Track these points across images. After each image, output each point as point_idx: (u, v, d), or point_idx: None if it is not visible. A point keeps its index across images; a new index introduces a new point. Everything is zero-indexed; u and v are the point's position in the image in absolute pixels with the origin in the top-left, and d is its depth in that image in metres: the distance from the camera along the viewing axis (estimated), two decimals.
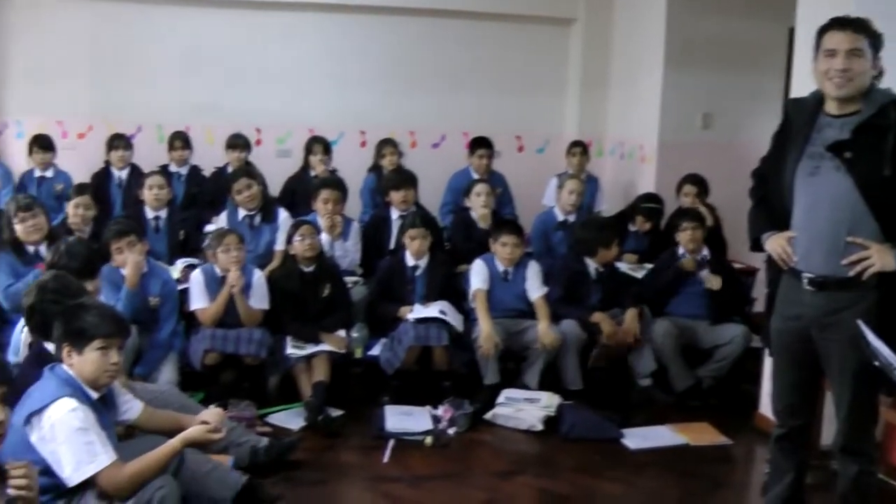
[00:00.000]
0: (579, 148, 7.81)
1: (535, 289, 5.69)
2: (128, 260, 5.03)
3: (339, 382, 5.40)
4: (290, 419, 5.13)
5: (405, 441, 4.91)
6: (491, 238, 5.80)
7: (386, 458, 4.70)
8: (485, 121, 8.36)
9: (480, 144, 7.54)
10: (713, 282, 5.80)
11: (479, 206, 6.43)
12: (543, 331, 5.45)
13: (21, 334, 4.07)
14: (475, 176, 7.45)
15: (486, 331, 5.37)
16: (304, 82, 8.44)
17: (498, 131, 8.10)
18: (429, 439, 4.91)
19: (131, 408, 3.66)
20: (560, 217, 6.76)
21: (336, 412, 5.20)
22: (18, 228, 5.21)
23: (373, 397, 5.46)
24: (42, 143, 7.35)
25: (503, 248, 5.66)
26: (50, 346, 3.51)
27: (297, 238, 5.49)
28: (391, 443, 4.86)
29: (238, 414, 4.82)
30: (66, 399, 3.17)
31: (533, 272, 5.73)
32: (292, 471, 4.43)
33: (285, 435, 4.78)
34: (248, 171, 6.47)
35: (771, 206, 3.46)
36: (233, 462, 4.17)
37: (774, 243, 3.39)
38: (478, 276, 5.65)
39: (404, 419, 5.11)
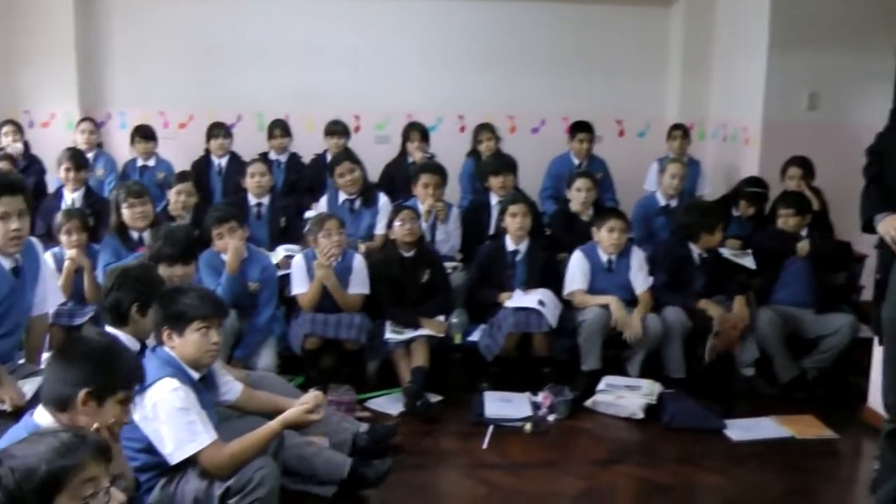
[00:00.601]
0: (680, 131, 7.66)
1: (640, 280, 5.53)
2: (229, 245, 5.09)
3: (438, 368, 5.38)
4: (389, 404, 5.14)
5: (504, 427, 4.87)
6: (594, 226, 5.65)
7: (485, 445, 4.67)
8: (585, 105, 8.25)
9: (581, 129, 7.45)
10: (803, 248, 5.64)
11: (578, 201, 6.27)
12: (633, 321, 5.30)
13: None
14: (575, 161, 7.39)
15: (616, 307, 5.30)
16: (402, 68, 8.47)
17: (598, 115, 7.98)
18: (528, 426, 4.86)
19: (231, 389, 3.70)
20: (662, 202, 6.63)
21: (435, 398, 5.18)
22: (126, 214, 5.34)
23: (471, 383, 5.44)
24: (144, 133, 7.54)
25: (609, 235, 5.50)
26: (117, 333, 3.54)
27: (397, 222, 5.48)
28: (490, 429, 4.82)
29: (337, 399, 4.85)
30: (168, 379, 3.23)
31: (637, 261, 5.58)
32: (391, 455, 4.40)
33: (384, 420, 4.78)
34: (350, 154, 6.51)
35: (886, 186, 3.30)
36: (327, 442, 4.22)
37: (888, 225, 3.23)
38: (577, 272, 5.52)
39: (503, 405, 5.07)
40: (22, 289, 3.93)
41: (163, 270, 4.25)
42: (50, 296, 4.21)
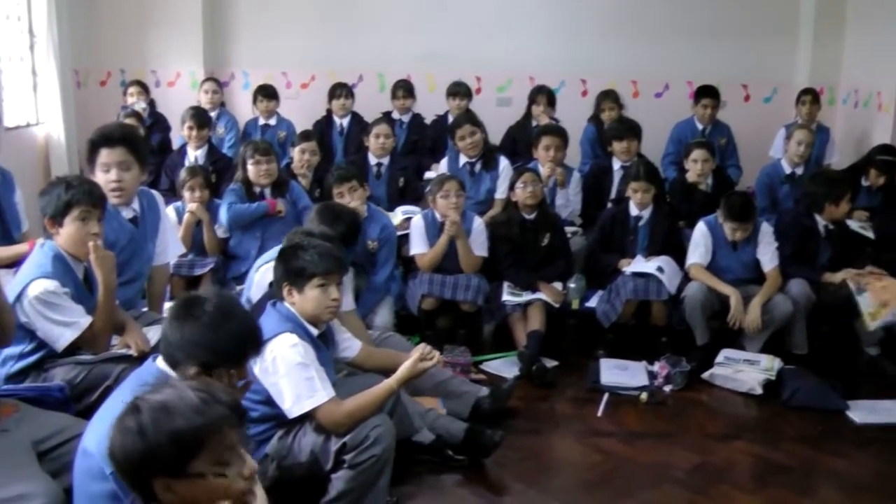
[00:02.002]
0: (809, 96, 7.41)
1: (768, 257, 5.32)
2: (351, 205, 5.13)
3: (555, 333, 5.36)
4: (505, 367, 5.15)
5: (619, 396, 4.84)
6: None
7: (600, 412, 4.65)
8: (709, 69, 8.07)
9: (705, 94, 7.28)
10: None
11: (695, 172, 6.05)
12: (751, 317, 5.12)
13: (255, 272, 4.27)
14: (699, 126, 7.24)
15: (735, 303, 5.13)
16: (525, 30, 8.40)
17: (723, 80, 7.82)
18: (644, 395, 4.82)
19: (350, 346, 3.76)
20: (787, 170, 6.43)
21: (551, 363, 5.17)
22: (251, 170, 5.46)
23: (588, 350, 5.41)
24: (266, 92, 7.68)
25: (732, 233, 5.30)
26: None
27: (519, 185, 5.44)
28: (605, 397, 4.79)
29: (453, 360, 4.88)
30: (288, 334, 3.28)
31: (766, 237, 5.37)
32: (506, 419, 4.43)
33: (500, 383, 4.78)
34: (471, 117, 6.48)
35: None
36: (442, 404, 4.26)
37: None
38: (698, 246, 5.37)
39: (620, 373, 5.03)
40: (142, 238, 4.10)
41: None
42: (170, 247, 4.38)
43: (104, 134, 3.98)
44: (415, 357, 3.41)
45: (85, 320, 3.47)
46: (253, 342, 2.70)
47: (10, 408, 3.07)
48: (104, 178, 3.92)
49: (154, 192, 4.37)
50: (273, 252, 4.28)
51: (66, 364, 3.48)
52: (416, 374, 3.43)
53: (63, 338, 3.44)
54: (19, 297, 3.37)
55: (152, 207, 4.23)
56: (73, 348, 3.48)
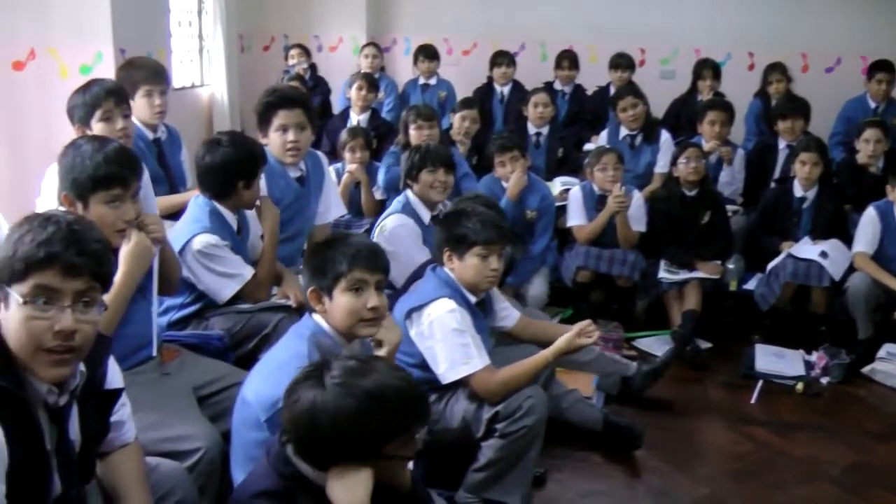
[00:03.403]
0: None
1: None
2: (512, 176, 5.15)
3: (710, 314, 5.22)
4: (657, 346, 5.07)
5: (774, 384, 4.70)
6: (889, 184, 5.14)
7: (753, 400, 4.53)
8: (885, 42, 7.65)
9: (880, 68, 6.91)
10: None
11: (866, 153, 5.74)
12: None
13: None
14: (871, 104, 6.90)
15: None
16: (691, 1, 8.16)
17: None
18: (800, 385, 4.66)
19: (508, 315, 3.74)
20: None
21: (705, 344, 5.08)
22: (413, 135, 5.48)
23: (743, 334, 5.27)
24: (427, 53, 7.75)
25: None
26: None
27: (682, 160, 5.31)
28: (759, 384, 4.67)
29: (605, 335, 4.83)
30: (446, 300, 3.28)
31: None
32: (657, 399, 4.38)
33: (651, 361, 4.68)
34: (634, 89, 6.39)
35: None
36: (596, 381, 4.23)
37: None
38: (865, 233, 5.09)
39: (775, 361, 4.88)
40: (306, 197, 4.19)
41: (425, 176, 4.39)
42: (333, 207, 4.45)
43: (283, 95, 4.07)
44: (574, 331, 3.35)
45: (248, 272, 3.58)
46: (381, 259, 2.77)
47: (172, 353, 3.19)
48: (280, 138, 4.01)
49: (319, 152, 4.46)
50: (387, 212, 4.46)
51: (225, 313, 3.59)
52: (572, 349, 3.37)
53: (227, 289, 3.55)
54: (181, 252, 3.47)
55: (317, 167, 4.32)
56: (233, 298, 3.59)
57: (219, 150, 3.56)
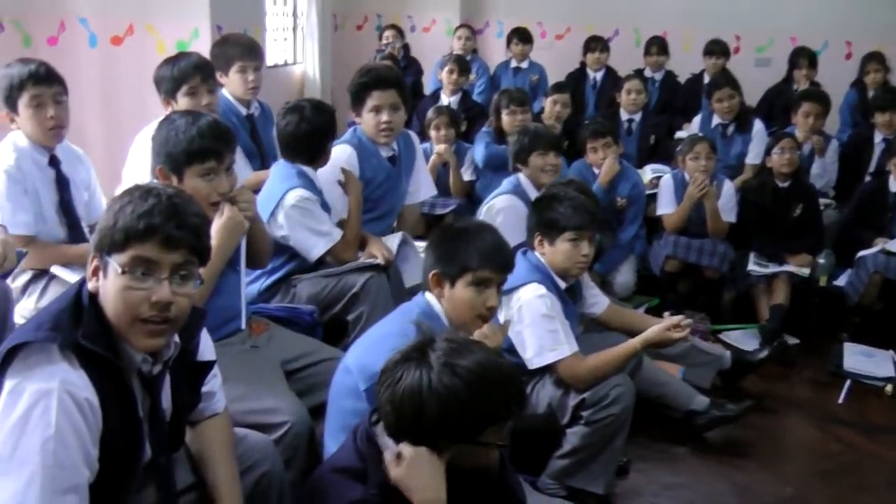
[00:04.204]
0: None
1: None
2: (605, 162, 5.12)
3: (798, 310, 5.11)
4: (744, 340, 4.98)
5: (863, 384, 4.58)
6: None
7: (841, 399, 4.42)
8: None
9: None
10: None
11: None
12: None
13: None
14: None
15: None
16: None
17: None
18: (889, 387, 4.52)
19: (598, 302, 3.72)
20: None
21: (792, 340, 4.96)
22: (505, 119, 5.47)
23: (832, 331, 5.13)
24: (522, 36, 7.74)
25: None
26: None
27: (776, 151, 5.18)
28: (848, 383, 4.54)
29: (692, 326, 4.77)
30: (536, 284, 3.28)
31: None
32: (742, 395, 4.29)
33: (739, 354, 4.59)
34: (729, 77, 6.26)
35: None
36: (682, 372, 4.19)
37: None
38: None
39: (865, 360, 4.75)
40: (398, 176, 4.23)
41: (535, 159, 4.40)
42: (423, 187, 4.49)
43: (377, 76, 4.09)
44: (665, 323, 3.32)
45: (337, 232, 3.67)
46: (506, 254, 2.78)
47: (262, 326, 3.23)
48: (374, 119, 4.04)
49: (411, 132, 4.50)
50: (497, 191, 4.46)
51: (312, 278, 3.66)
52: (662, 341, 3.33)
53: (318, 247, 3.63)
54: (274, 212, 3.55)
55: (409, 147, 4.35)
56: (318, 263, 3.68)
57: (305, 115, 3.67)
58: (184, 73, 3.87)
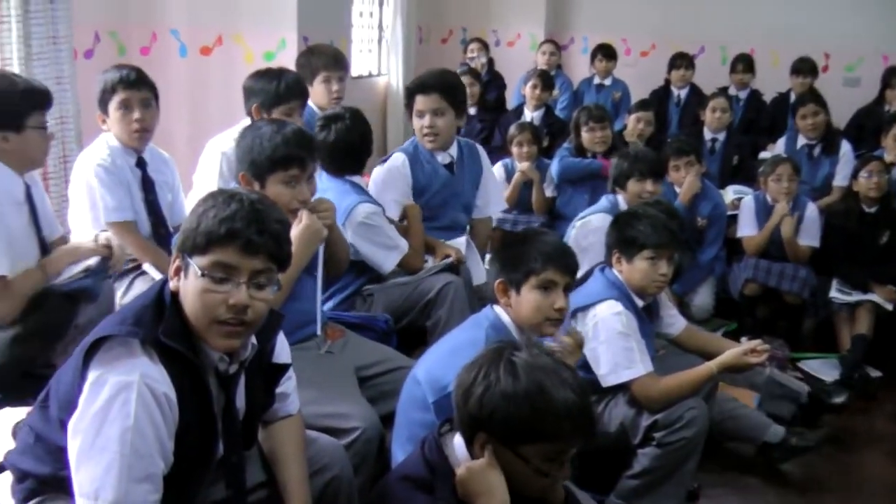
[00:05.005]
0: None
1: None
2: (686, 180, 5.06)
3: (882, 340, 4.94)
4: (824, 369, 4.83)
5: None
6: None
7: None
8: None
9: None
10: None
11: None
12: None
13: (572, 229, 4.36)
14: None
15: None
16: (881, 3, 7.79)
17: None
18: None
19: (674, 323, 3.64)
20: None
21: (874, 373, 4.80)
22: (585, 137, 5.44)
23: None
24: (606, 52, 7.73)
25: None
26: None
27: (863, 174, 5.02)
28: None
29: (770, 352, 4.67)
30: (613, 301, 3.24)
31: None
32: (819, 427, 4.16)
33: (816, 384, 4.51)
34: (816, 96, 6.12)
35: None
36: (758, 400, 4.10)
37: None
38: None
39: None
40: (458, 185, 4.22)
41: (632, 185, 4.36)
42: (493, 202, 4.47)
43: (419, 82, 4.15)
44: (743, 348, 3.24)
45: (404, 242, 3.69)
46: (568, 256, 2.77)
47: (337, 332, 3.26)
48: (418, 123, 4.10)
49: (478, 145, 4.48)
50: (594, 208, 4.43)
51: (387, 287, 3.70)
52: (739, 366, 3.25)
53: (389, 260, 3.66)
54: (342, 226, 3.54)
55: (473, 158, 4.32)
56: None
57: (348, 124, 3.67)
58: (289, 93, 3.96)
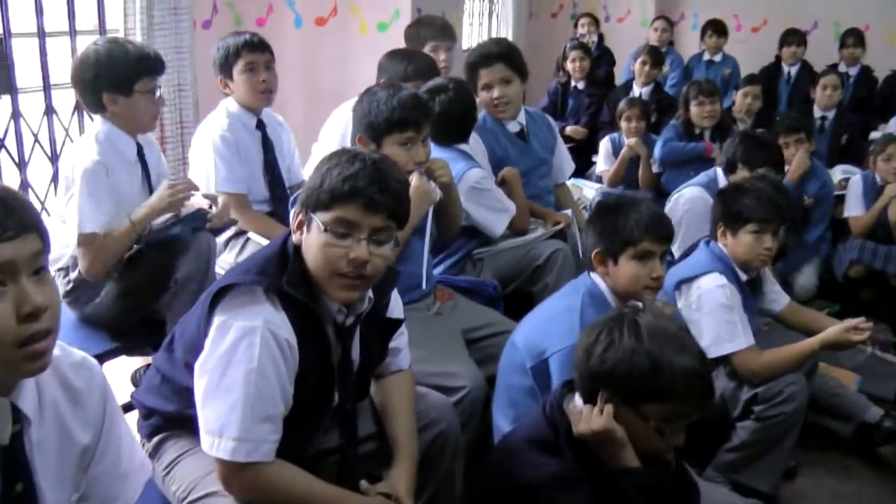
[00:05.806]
0: None
1: None
2: (796, 157, 4.98)
3: None
4: None
5: None
6: None
7: None
8: None
9: None
10: None
11: None
12: None
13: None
14: None
15: None
16: None
17: None
18: None
19: (778, 299, 3.63)
20: None
21: None
22: (694, 111, 5.44)
23: None
24: (717, 28, 7.63)
25: None
26: None
27: None
28: None
29: (873, 335, 4.60)
30: (717, 274, 3.24)
31: None
32: None
33: None
34: None
35: None
36: (859, 383, 4.05)
37: None
38: None
39: None
40: (532, 152, 4.24)
41: (741, 171, 4.24)
42: (565, 166, 4.49)
43: (480, 54, 4.15)
44: (846, 324, 3.20)
45: (513, 205, 3.75)
46: (664, 224, 2.80)
47: (446, 295, 3.35)
48: (487, 95, 4.11)
49: (546, 115, 4.54)
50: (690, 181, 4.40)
51: (497, 252, 3.76)
52: (841, 343, 3.21)
53: (500, 223, 3.70)
54: None
55: (543, 125, 4.36)
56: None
57: (452, 95, 3.68)
58: (416, 75, 4.04)
